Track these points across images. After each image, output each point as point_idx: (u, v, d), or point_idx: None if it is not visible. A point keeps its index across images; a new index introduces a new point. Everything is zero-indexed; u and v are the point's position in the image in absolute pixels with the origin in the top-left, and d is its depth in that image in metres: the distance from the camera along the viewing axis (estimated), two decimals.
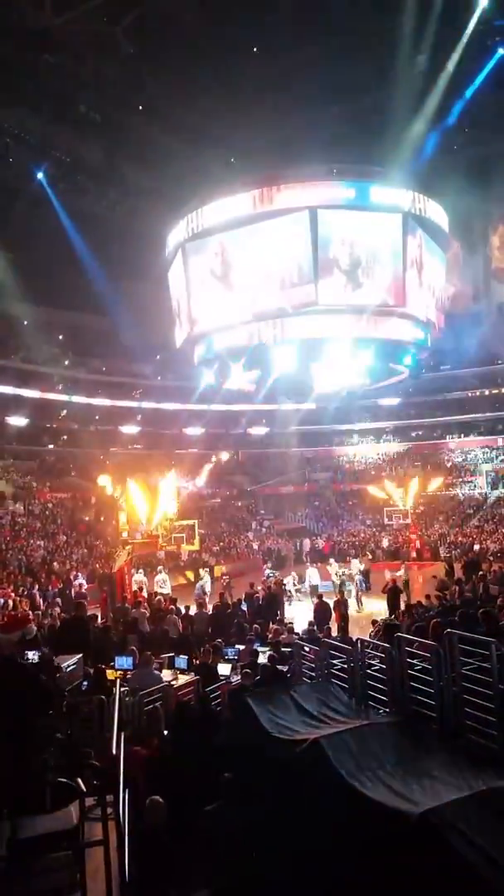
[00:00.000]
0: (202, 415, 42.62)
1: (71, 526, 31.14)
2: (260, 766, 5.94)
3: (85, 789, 3.93)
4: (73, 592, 20.03)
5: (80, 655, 8.93)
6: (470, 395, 46.21)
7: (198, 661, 10.82)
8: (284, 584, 20.40)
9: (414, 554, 31.13)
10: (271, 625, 14.10)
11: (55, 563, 24.75)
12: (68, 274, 33.43)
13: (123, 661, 10.12)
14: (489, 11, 25.66)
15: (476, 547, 30.38)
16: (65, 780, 3.98)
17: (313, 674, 8.91)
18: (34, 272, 32.66)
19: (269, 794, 5.57)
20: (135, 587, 18.44)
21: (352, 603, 19.45)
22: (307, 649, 9.51)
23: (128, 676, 9.53)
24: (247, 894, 5.03)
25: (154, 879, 4.50)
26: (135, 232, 31.82)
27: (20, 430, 36.13)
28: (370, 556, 28.36)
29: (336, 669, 8.17)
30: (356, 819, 4.68)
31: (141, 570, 21.46)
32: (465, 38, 26.62)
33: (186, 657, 10.76)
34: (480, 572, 17.83)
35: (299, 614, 17.62)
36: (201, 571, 25.44)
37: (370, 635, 11.98)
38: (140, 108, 29.90)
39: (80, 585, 21.16)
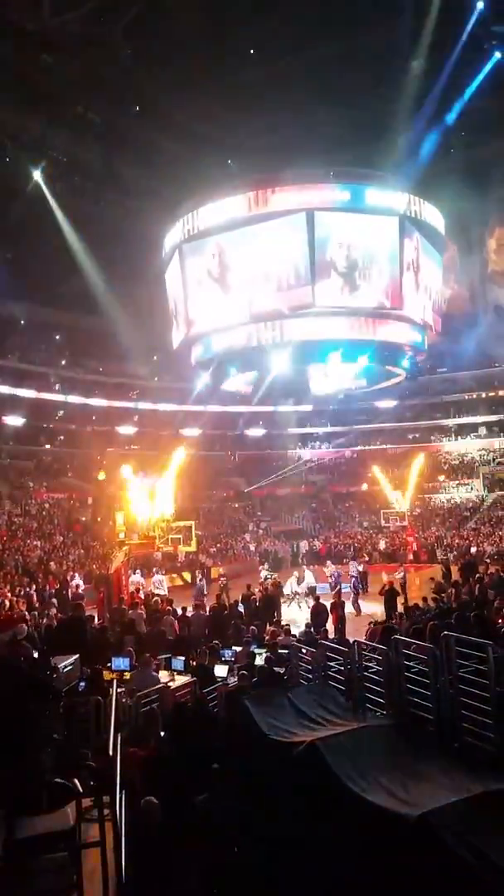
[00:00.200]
0: (199, 416, 42.64)
1: (67, 526, 31.12)
2: (257, 768, 5.94)
3: (81, 790, 3.92)
4: (69, 593, 20.00)
5: (77, 656, 8.91)
6: (467, 397, 46.28)
7: (194, 663, 10.81)
8: (282, 586, 20.37)
9: (411, 556, 31.16)
10: (268, 626, 14.09)
11: (52, 564, 24.71)
12: (65, 274, 33.41)
13: (120, 663, 10.10)
14: (486, 15, 25.75)
15: (473, 549, 30.43)
16: (61, 780, 3.96)
17: (310, 676, 8.91)
18: (31, 272, 32.63)
19: (267, 796, 5.56)
20: (132, 588, 18.42)
21: (347, 605, 19.44)
22: (304, 651, 9.51)
23: (126, 677, 9.52)
24: None
25: (150, 880, 4.50)
26: (132, 233, 31.82)
27: (17, 430, 36.08)
28: (367, 558, 28.36)
29: (333, 672, 8.17)
30: (354, 821, 4.68)
31: (138, 571, 21.45)
32: (461, 42, 26.73)
33: (183, 659, 10.75)
34: (477, 575, 17.85)
35: (300, 616, 17.65)
36: (197, 573, 25.46)
37: (365, 637, 11.98)
38: (138, 109, 29.92)
39: (77, 586, 21.13)
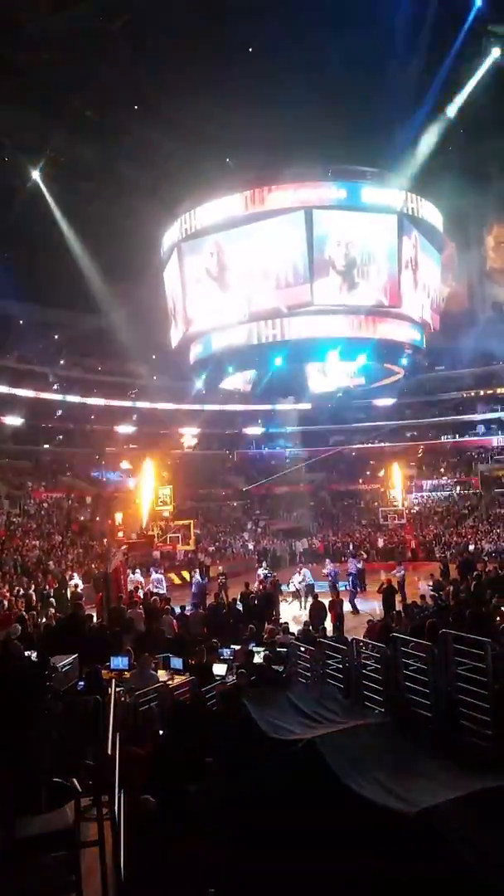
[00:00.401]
0: (198, 415, 42.64)
1: (66, 526, 31.10)
2: (255, 765, 5.95)
3: (80, 789, 3.93)
4: (68, 593, 19.99)
5: (76, 655, 8.92)
6: (465, 395, 46.25)
7: (193, 662, 10.81)
8: (280, 584, 20.39)
9: (409, 554, 31.16)
10: (267, 625, 14.10)
11: (51, 563, 24.70)
12: (63, 273, 33.37)
13: (119, 662, 10.11)
14: (483, 11, 25.74)
15: (471, 547, 30.42)
16: (60, 780, 3.97)
17: (309, 674, 8.92)
18: (29, 271, 32.59)
19: (265, 793, 5.57)
20: (130, 587, 18.41)
21: (345, 604, 19.47)
22: (303, 649, 9.52)
23: (125, 677, 9.52)
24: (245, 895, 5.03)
25: (149, 879, 4.50)
26: (130, 231, 31.78)
27: (15, 429, 36.03)
28: (365, 556, 28.37)
29: (332, 669, 8.18)
30: (352, 818, 4.69)
31: (138, 571, 21.44)
32: (460, 38, 26.71)
33: (182, 658, 10.75)
34: (475, 572, 17.87)
35: (298, 615, 17.69)
36: (194, 572, 25.41)
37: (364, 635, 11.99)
38: (136, 107, 29.88)
39: (76, 586, 21.11)
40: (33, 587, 20.51)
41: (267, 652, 10.48)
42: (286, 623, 14.61)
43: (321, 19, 25.27)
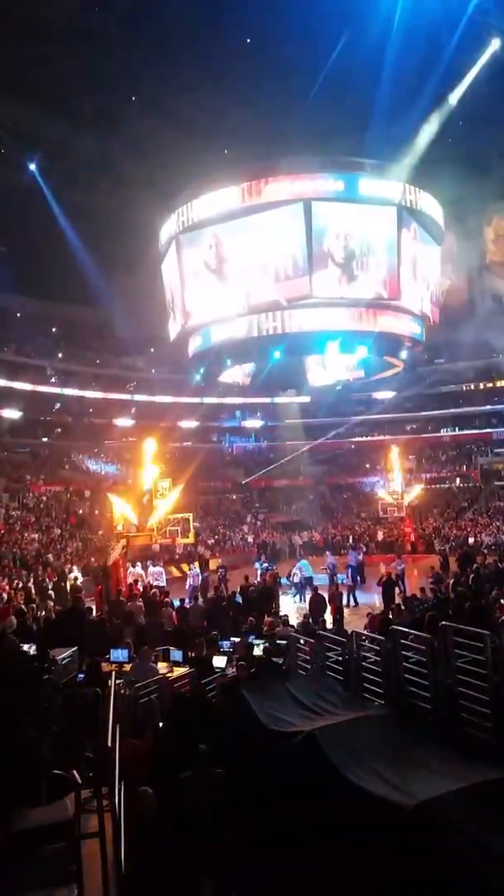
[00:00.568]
0: (197, 407, 42.61)
1: (65, 519, 31.12)
2: (255, 758, 5.95)
3: (80, 781, 3.93)
4: (68, 585, 20.01)
5: (76, 648, 8.92)
6: (465, 388, 46.22)
7: (192, 654, 10.82)
8: (279, 577, 20.42)
9: (409, 547, 31.20)
10: (266, 617, 14.12)
11: (50, 556, 24.73)
12: (61, 266, 33.28)
13: (119, 654, 10.12)
14: (484, 2, 25.57)
15: (471, 540, 30.48)
16: (60, 772, 3.97)
17: (309, 666, 8.92)
18: (27, 264, 32.49)
19: (265, 786, 5.58)
20: (130, 580, 18.42)
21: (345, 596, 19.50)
22: (302, 642, 9.52)
23: (125, 669, 9.53)
24: (243, 887, 5.05)
25: (148, 871, 4.51)
26: (128, 224, 31.66)
27: (13, 422, 36.00)
28: (364, 549, 28.39)
29: (331, 662, 8.18)
30: (352, 810, 4.69)
31: (138, 564, 21.44)
32: (460, 30, 26.54)
33: (181, 650, 10.76)
34: (475, 565, 17.91)
35: (299, 607, 17.71)
36: (194, 564, 25.44)
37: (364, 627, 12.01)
38: (133, 99, 29.75)
39: (76, 579, 21.14)
40: (32, 580, 20.54)
41: (267, 644, 10.48)
42: (286, 615, 14.64)
43: (319, 10, 25.11)
